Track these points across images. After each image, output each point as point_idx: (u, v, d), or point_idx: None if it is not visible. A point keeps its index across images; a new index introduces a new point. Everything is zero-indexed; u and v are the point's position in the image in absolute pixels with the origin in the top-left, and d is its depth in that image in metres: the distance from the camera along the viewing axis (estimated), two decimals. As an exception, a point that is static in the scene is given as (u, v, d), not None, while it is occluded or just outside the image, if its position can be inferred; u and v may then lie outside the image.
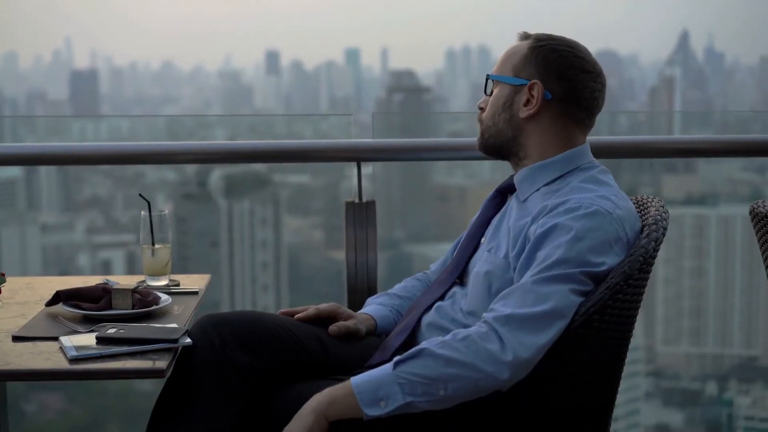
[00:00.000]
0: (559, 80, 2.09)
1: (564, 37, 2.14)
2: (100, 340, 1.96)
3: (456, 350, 1.85)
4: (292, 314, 2.20)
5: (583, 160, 2.12)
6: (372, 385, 1.85)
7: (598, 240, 1.95)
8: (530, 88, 2.10)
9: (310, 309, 2.21)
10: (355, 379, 1.87)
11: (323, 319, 2.20)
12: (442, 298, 2.18)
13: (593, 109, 2.13)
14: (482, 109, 2.20)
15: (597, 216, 1.97)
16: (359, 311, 2.32)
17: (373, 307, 2.32)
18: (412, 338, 2.17)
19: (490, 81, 2.18)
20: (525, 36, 2.17)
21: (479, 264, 2.12)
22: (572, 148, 2.12)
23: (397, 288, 2.40)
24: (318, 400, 1.86)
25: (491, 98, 2.17)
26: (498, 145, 2.17)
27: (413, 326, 2.17)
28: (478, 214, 2.27)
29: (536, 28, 2.25)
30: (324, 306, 2.22)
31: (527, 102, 2.11)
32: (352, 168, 3.06)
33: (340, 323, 2.19)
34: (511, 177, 2.20)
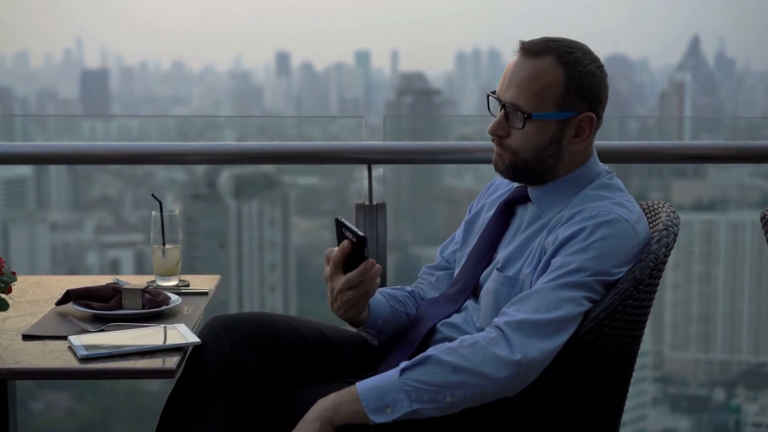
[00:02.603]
0: (602, 102, 2.05)
1: (582, 47, 2.05)
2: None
3: (462, 357, 1.84)
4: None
5: (597, 167, 2.10)
6: (378, 391, 1.84)
7: (616, 248, 1.94)
8: (581, 120, 2.02)
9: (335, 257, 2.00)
10: (360, 385, 1.86)
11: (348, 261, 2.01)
12: (458, 310, 2.14)
13: None
14: (499, 136, 2.06)
15: (615, 224, 1.96)
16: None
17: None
18: (418, 353, 2.11)
19: (515, 113, 2.01)
20: (531, 50, 2.02)
21: (489, 281, 2.09)
22: (588, 158, 2.10)
23: (393, 289, 2.26)
24: (323, 406, 1.85)
25: (530, 133, 2.01)
26: (531, 172, 2.07)
27: (419, 342, 2.13)
28: (485, 226, 2.20)
29: (546, 32, 2.14)
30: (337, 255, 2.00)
31: (578, 133, 2.03)
32: (362, 170, 3.06)
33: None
34: (519, 189, 2.15)
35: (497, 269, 2.08)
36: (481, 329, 2.03)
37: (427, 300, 2.25)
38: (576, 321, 1.90)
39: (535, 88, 2.01)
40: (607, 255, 1.93)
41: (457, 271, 2.23)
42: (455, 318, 2.13)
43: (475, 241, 2.21)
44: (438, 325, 2.14)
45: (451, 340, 2.00)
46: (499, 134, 2.06)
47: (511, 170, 2.08)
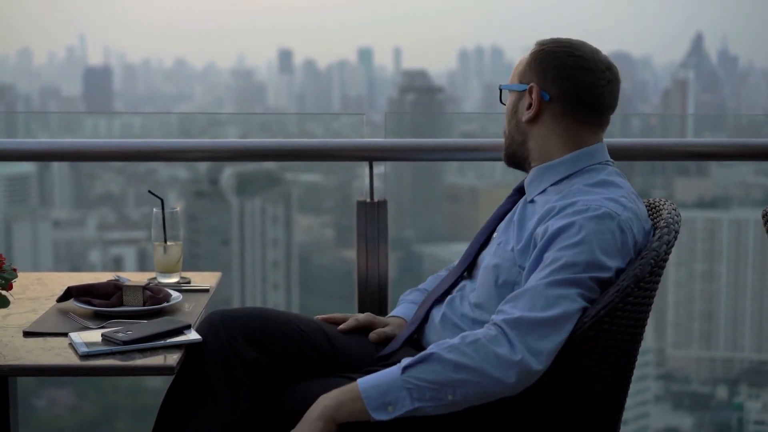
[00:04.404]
0: (555, 80, 2.10)
1: (568, 39, 2.14)
2: (108, 341, 1.95)
3: (465, 355, 1.84)
4: (332, 322, 2.24)
5: (592, 161, 2.11)
6: (380, 389, 1.84)
7: (605, 243, 1.94)
8: (530, 92, 2.12)
9: (350, 320, 2.24)
10: (362, 383, 1.86)
11: (361, 330, 2.24)
12: (450, 291, 2.19)
13: (598, 106, 2.11)
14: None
15: (605, 219, 1.96)
16: (392, 313, 2.34)
17: (404, 307, 2.34)
18: (420, 331, 2.19)
19: (504, 91, 2.22)
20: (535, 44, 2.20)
21: (489, 257, 2.13)
22: (580, 148, 2.11)
23: (428, 281, 2.41)
24: (325, 404, 1.85)
25: (505, 110, 2.21)
26: (512, 152, 2.20)
27: (421, 319, 2.18)
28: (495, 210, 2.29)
29: (549, 29, 2.25)
30: (362, 317, 2.26)
31: (529, 106, 2.13)
32: (363, 167, 3.05)
33: (379, 330, 2.23)
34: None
35: (497, 245, 2.12)
36: (477, 305, 2.08)
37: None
38: (573, 319, 1.90)
39: (514, 68, 2.21)
40: (597, 250, 1.93)
41: None
42: (452, 296, 2.18)
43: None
44: (435, 305, 2.19)
45: (449, 318, 2.11)
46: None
47: (505, 155, 2.23)
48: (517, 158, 2.19)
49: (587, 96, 2.09)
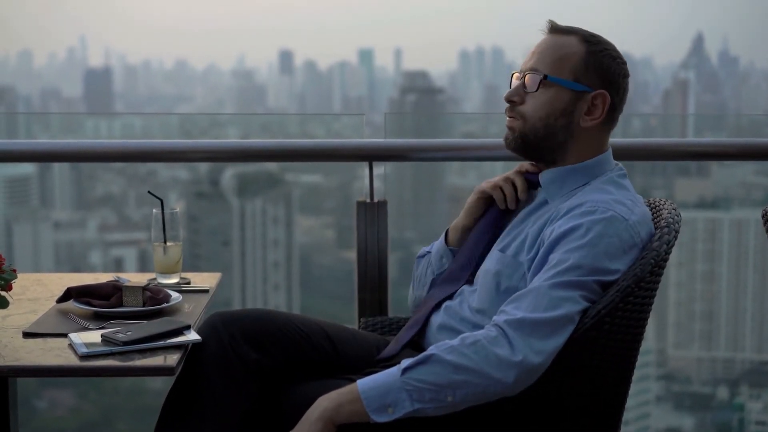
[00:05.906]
0: (618, 90, 2.07)
1: (606, 39, 2.10)
2: (107, 342, 1.95)
3: (464, 356, 1.84)
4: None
5: (608, 166, 2.10)
6: (379, 391, 1.84)
7: (612, 246, 1.93)
8: (594, 98, 2.05)
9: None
10: (362, 384, 1.85)
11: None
12: (450, 297, 2.17)
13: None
14: (513, 102, 2.09)
15: (613, 222, 1.95)
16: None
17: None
18: (421, 335, 2.17)
19: (533, 76, 2.05)
20: (558, 29, 2.09)
21: (489, 262, 2.10)
22: (602, 151, 2.10)
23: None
24: (325, 406, 1.85)
25: (543, 98, 2.05)
26: (541, 146, 2.08)
27: (423, 322, 2.16)
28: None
29: None
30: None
31: (590, 111, 2.05)
32: (364, 168, 3.05)
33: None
34: (534, 174, 2.16)
35: (499, 250, 2.09)
36: (478, 310, 2.05)
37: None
38: (574, 320, 1.89)
39: (555, 56, 2.06)
40: (603, 253, 1.92)
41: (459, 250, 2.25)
42: (451, 302, 2.15)
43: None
44: (434, 311, 2.16)
45: (447, 324, 2.08)
46: (514, 99, 2.08)
47: (520, 140, 2.09)
48: (541, 152, 2.09)
49: (624, 102, 2.11)
